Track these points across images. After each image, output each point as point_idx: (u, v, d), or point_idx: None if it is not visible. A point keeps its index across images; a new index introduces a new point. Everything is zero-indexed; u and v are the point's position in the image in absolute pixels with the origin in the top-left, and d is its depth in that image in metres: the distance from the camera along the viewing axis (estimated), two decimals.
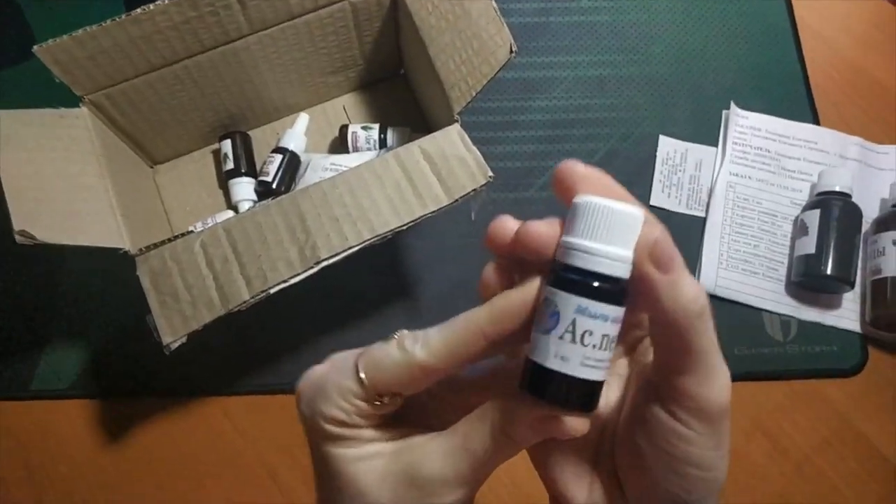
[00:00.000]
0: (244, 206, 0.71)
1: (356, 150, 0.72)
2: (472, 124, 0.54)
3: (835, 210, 0.67)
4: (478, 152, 0.52)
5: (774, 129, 0.76)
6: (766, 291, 0.70)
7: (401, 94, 0.77)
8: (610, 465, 0.29)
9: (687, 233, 0.72)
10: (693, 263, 0.71)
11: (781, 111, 0.77)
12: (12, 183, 0.49)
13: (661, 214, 0.72)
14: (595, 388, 0.25)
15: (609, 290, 0.24)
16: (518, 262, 0.27)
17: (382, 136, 0.71)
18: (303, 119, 0.74)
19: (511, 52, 0.51)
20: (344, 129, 0.72)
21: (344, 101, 0.77)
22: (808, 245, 0.67)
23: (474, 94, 0.53)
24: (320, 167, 0.69)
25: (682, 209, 0.73)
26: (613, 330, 0.25)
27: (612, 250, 0.24)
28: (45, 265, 0.71)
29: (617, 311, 0.24)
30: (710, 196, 0.74)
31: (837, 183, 0.69)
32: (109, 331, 0.68)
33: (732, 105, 0.77)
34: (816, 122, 0.77)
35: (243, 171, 0.71)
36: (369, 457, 0.27)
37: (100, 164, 0.56)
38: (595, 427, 0.30)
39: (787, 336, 0.69)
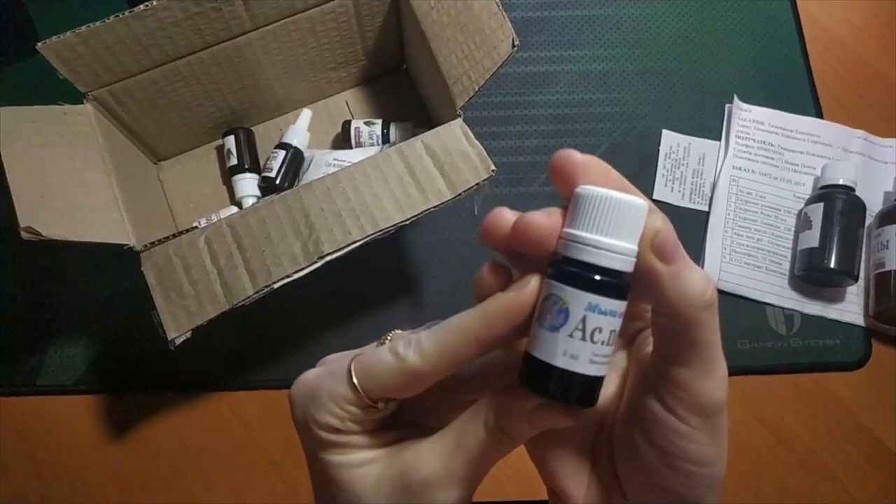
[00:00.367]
0: (248, 202, 0.71)
1: (359, 145, 0.72)
2: (475, 119, 0.54)
3: (838, 203, 0.67)
4: (480, 147, 0.52)
5: (777, 123, 0.76)
6: (770, 285, 0.70)
7: (403, 90, 0.77)
8: (608, 459, 0.29)
9: (690, 227, 0.72)
10: (696, 258, 0.71)
11: (785, 104, 0.76)
12: (17, 179, 0.49)
13: (664, 209, 0.72)
14: (598, 383, 0.25)
15: (617, 284, 0.24)
16: (515, 259, 0.26)
17: (385, 131, 0.72)
18: (305, 115, 0.74)
19: (513, 46, 0.51)
20: (347, 125, 0.72)
21: (346, 96, 0.78)
22: (812, 239, 0.67)
23: (477, 88, 0.53)
24: (323, 163, 0.69)
25: (685, 203, 0.73)
26: (619, 324, 0.24)
27: (621, 244, 0.23)
28: (51, 261, 0.71)
29: (623, 306, 0.24)
30: (713, 190, 0.73)
31: (841, 176, 0.69)
32: (115, 326, 0.69)
33: (735, 99, 0.76)
34: (820, 115, 0.76)
35: (247, 166, 0.71)
36: (364, 463, 0.27)
37: (104, 160, 0.56)
38: (593, 421, 0.30)
39: (791, 330, 0.69)
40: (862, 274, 0.68)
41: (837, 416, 0.66)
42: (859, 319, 0.69)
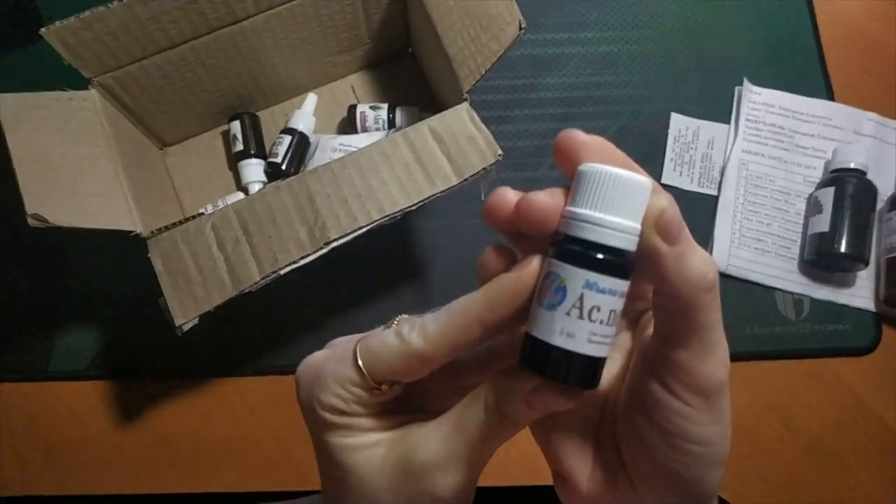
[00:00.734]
0: (254, 188, 0.71)
1: (365, 130, 0.72)
2: (482, 103, 0.53)
3: (849, 187, 0.66)
4: (487, 131, 0.52)
5: (788, 106, 0.75)
6: (779, 270, 0.69)
7: (409, 73, 0.77)
8: (612, 440, 0.29)
9: (699, 211, 0.71)
10: (705, 242, 0.70)
11: (795, 87, 0.75)
12: (23, 166, 0.49)
13: (673, 193, 0.71)
14: (598, 364, 0.24)
15: (618, 263, 0.23)
16: (519, 240, 0.26)
17: (391, 115, 0.71)
18: (311, 99, 0.74)
19: (520, 28, 0.51)
20: (352, 109, 0.72)
21: (352, 80, 0.77)
22: (822, 223, 0.66)
23: (483, 71, 0.53)
24: (329, 147, 0.69)
25: (694, 187, 0.73)
26: (619, 305, 0.24)
27: (622, 221, 0.23)
28: (58, 248, 0.71)
29: (624, 285, 0.24)
30: (722, 174, 0.73)
31: (852, 160, 0.68)
32: (123, 312, 0.69)
33: (745, 81, 0.75)
34: (831, 97, 0.75)
35: (253, 152, 0.71)
36: (368, 446, 0.27)
37: (110, 146, 0.56)
38: (596, 403, 0.30)
39: (800, 315, 0.68)
40: (872, 258, 0.68)
41: (846, 401, 0.66)
42: (869, 304, 0.68)
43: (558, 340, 0.23)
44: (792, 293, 0.69)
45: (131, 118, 0.66)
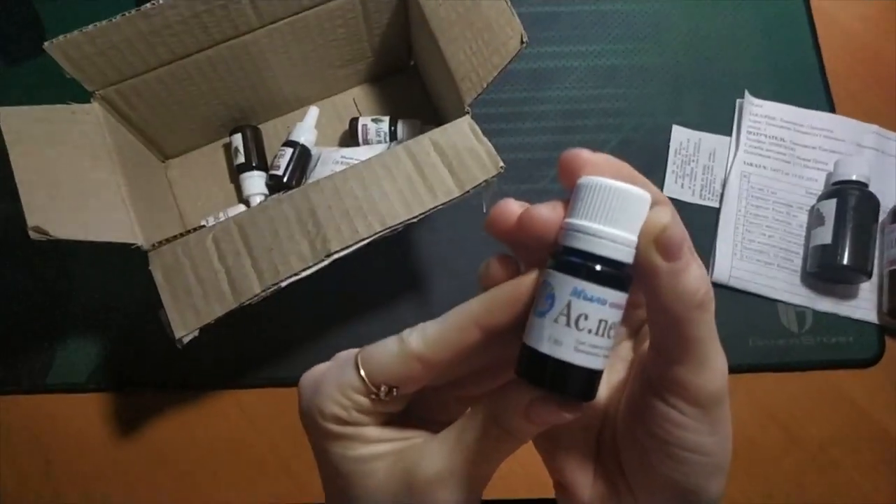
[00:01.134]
0: (255, 200, 0.71)
1: (366, 142, 0.72)
2: (483, 116, 0.54)
3: (851, 199, 0.66)
4: (489, 143, 0.52)
5: (789, 118, 0.75)
6: (781, 282, 0.69)
7: (411, 87, 0.77)
8: (613, 450, 0.29)
9: (701, 224, 0.71)
10: (707, 254, 0.70)
11: (796, 99, 0.76)
12: (25, 179, 0.49)
13: (675, 205, 0.71)
14: (591, 375, 0.24)
15: (608, 273, 0.23)
16: (521, 251, 0.26)
17: (393, 128, 0.71)
18: (313, 112, 0.74)
19: (522, 42, 0.51)
20: (354, 122, 0.72)
21: (354, 93, 0.77)
22: (824, 235, 0.66)
23: (485, 85, 0.53)
24: (331, 160, 0.69)
25: (695, 200, 0.73)
26: (612, 316, 0.23)
27: (613, 232, 0.23)
28: (59, 260, 0.71)
29: (617, 296, 0.23)
30: (723, 186, 0.73)
31: (854, 172, 0.68)
32: (123, 325, 0.69)
33: (746, 93, 0.76)
34: (832, 109, 0.75)
35: (254, 164, 0.71)
36: (372, 458, 0.27)
37: (111, 159, 0.56)
38: (598, 413, 0.30)
39: (803, 327, 0.68)
40: (875, 270, 0.67)
41: (849, 413, 0.66)
42: (872, 316, 0.68)
43: (545, 347, 0.23)
44: (794, 305, 0.69)
45: (133, 131, 0.66)
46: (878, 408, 0.66)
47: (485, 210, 0.64)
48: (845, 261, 0.65)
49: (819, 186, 0.72)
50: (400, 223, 0.51)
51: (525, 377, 0.24)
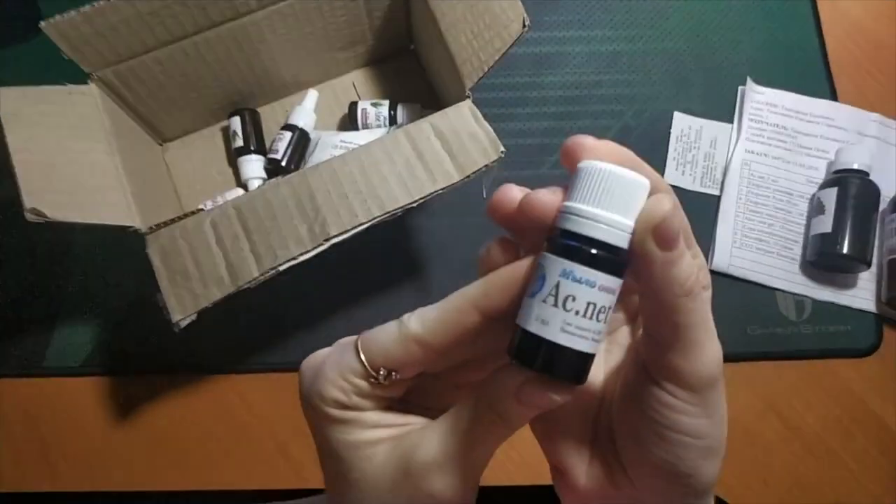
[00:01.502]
0: (254, 184, 0.70)
1: (366, 126, 0.71)
2: (484, 101, 0.53)
3: (852, 188, 0.66)
4: (490, 128, 0.52)
5: (791, 106, 0.74)
6: (781, 271, 0.69)
7: (411, 70, 0.76)
8: (609, 435, 0.29)
9: (701, 211, 0.71)
10: (707, 242, 0.70)
11: (799, 87, 0.75)
12: (22, 161, 0.49)
13: (675, 192, 0.71)
14: (580, 358, 0.24)
15: (598, 256, 0.23)
16: (522, 236, 0.26)
17: (392, 112, 0.71)
18: (312, 95, 0.73)
19: (524, 26, 0.50)
20: (353, 106, 0.72)
21: (353, 77, 0.77)
22: (825, 224, 0.66)
23: (486, 69, 0.52)
24: (330, 144, 0.69)
25: (696, 187, 0.72)
26: (602, 299, 0.23)
27: (606, 215, 0.23)
28: (56, 243, 0.71)
29: (607, 280, 0.23)
30: (724, 174, 0.72)
31: (855, 160, 0.68)
32: (121, 308, 0.69)
33: (748, 81, 0.75)
34: (834, 97, 0.75)
35: (253, 148, 0.71)
36: (370, 443, 0.27)
37: (109, 141, 0.56)
38: (594, 398, 0.30)
39: (801, 316, 0.68)
40: (874, 260, 0.67)
41: (847, 402, 0.66)
42: (871, 306, 0.68)
43: (533, 326, 0.24)
44: (793, 294, 0.68)
45: (131, 113, 0.65)
46: (876, 397, 0.66)
47: (484, 196, 0.64)
48: (845, 250, 0.65)
49: (820, 175, 0.72)
50: (399, 208, 0.50)
51: (516, 358, 0.25)
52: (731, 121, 0.75)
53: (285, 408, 0.66)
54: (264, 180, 0.71)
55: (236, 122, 0.71)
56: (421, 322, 0.26)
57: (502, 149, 0.51)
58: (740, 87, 0.76)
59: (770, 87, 0.75)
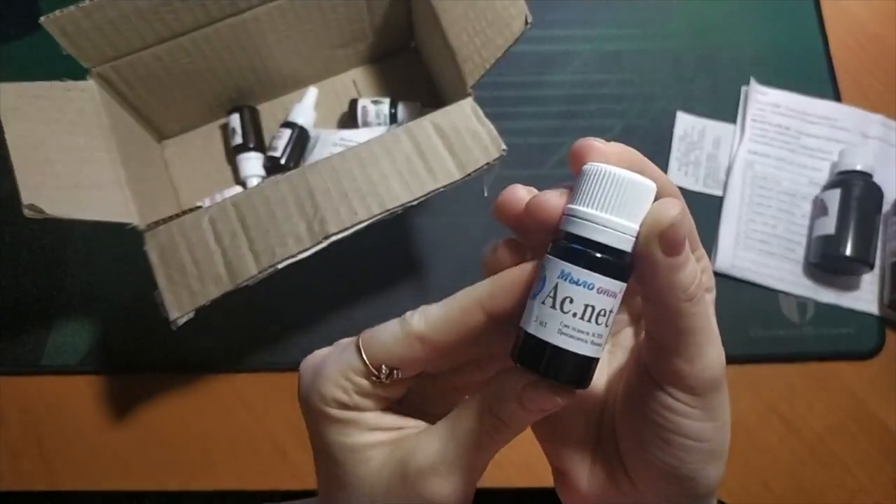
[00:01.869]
0: (252, 182, 0.70)
1: (366, 124, 0.71)
2: (485, 99, 0.53)
3: (855, 190, 0.66)
4: (491, 126, 0.51)
5: (794, 106, 0.74)
6: (784, 272, 0.68)
7: (412, 68, 0.76)
8: (612, 438, 0.29)
9: (704, 212, 0.71)
10: (709, 243, 0.70)
11: (802, 87, 0.75)
12: (20, 157, 0.49)
13: None
14: (581, 361, 0.24)
15: (597, 258, 0.23)
16: (528, 237, 0.26)
17: (393, 110, 0.70)
18: (311, 93, 0.73)
19: (526, 24, 0.50)
20: (353, 104, 0.71)
21: (353, 74, 0.76)
22: (828, 225, 0.66)
23: (488, 67, 0.52)
24: (330, 142, 0.68)
25: (699, 188, 0.72)
26: (601, 302, 0.23)
27: (607, 217, 0.23)
28: (53, 239, 0.70)
29: (607, 282, 0.23)
30: (727, 174, 0.72)
31: (858, 162, 0.67)
32: (118, 306, 0.68)
33: (752, 81, 0.75)
34: (838, 98, 0.75)
35: (251, 145, 0.71)
36: (368, 446, 0.27)
37: (107, 137, 0.55)
38: (597, 400, 0.30)
39: (804, 318, 0.67)
40: (878, 262, 0.67)
41: (849, 405, 0.65)
42: (874, 308, 0.67)
43: (532, 328, 0.24)
44: (796, 296, 0.68)
45: (129, 109, 0.65)
46: (878, 399, 0.65)
47: (485, 194, 0.63)
48: (848, 251, 0.64)
49: (823, 176, 0.71)
50: (399, 206, 0.50)
51: (518, 360, 0.24)
52: (734, 121, 0.75)
53: (283, 407, 0.65)
54: (263, 178, 0.71)
55: (235, 120, 0.71)
56: (424, 320, 0.25)
57: (504, 147, 0.51)
58: (743, 88, 0.75)
59: (773, 87, 0.75)
